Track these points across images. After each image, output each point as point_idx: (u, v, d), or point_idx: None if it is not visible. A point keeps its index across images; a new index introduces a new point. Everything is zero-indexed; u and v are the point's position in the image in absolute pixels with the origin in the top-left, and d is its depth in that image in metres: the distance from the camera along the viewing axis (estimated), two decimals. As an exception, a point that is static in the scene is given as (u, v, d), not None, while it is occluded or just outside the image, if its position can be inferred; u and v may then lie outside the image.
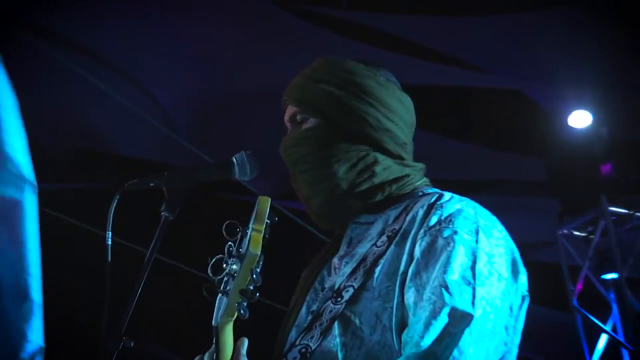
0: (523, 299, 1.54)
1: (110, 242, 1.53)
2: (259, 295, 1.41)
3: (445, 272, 1.45)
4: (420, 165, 1.79)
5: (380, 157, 1.71)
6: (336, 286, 1.59)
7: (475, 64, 4.69)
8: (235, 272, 1.42)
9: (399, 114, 1.75)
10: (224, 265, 1.44)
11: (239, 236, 1.46)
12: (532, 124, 5.05)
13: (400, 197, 1.70)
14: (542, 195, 5.50)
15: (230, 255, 1.44)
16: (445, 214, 1.56)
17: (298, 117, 1.75)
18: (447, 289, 1.43)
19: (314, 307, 1.62)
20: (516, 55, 4.70)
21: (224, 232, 1.46)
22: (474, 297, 1.43)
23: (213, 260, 1.44)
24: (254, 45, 4.54)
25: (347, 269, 1.61)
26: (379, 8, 4.38)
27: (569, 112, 5.11)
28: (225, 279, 1.44)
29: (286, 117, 1.80)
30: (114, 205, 1.55)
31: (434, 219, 1.55)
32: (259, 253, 1.41)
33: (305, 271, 1.77)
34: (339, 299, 1.55)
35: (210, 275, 1.44)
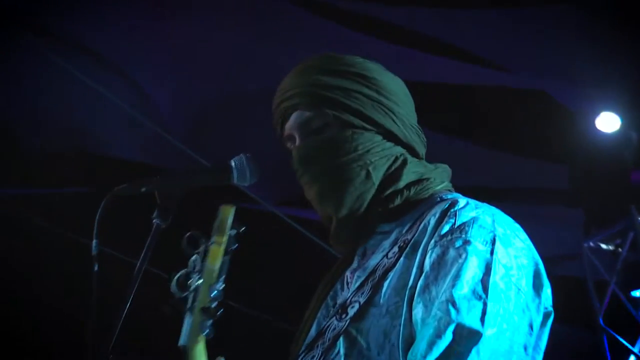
0: (546, 315, 1.50)
1: (96, 252, 1.51)
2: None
3: (454, 286, 1.41)
4: (443, 167, 1.74)
5: (410, 158, 1.68)
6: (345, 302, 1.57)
7: (494, 60, 4.67)
8: (198, 288, 1.41)
9: (412, 110, 1.73)
10: (189, 282, 1.43)
11: (202, 249, 1.45)
12: (555, 127, 5.03)
13: (418, 202, 1.64)
14: (566, 205, 5.47)
15: (194, 269, 1.43)
16: (458, 223, 1.51)
17: (314, 124, 1.66)
18: (454, 304, 1.39)
19: (324, 324, 1.58)
20: (539, 53, 4.68)
21: (184, 245, 1.44)
22: (484, 312, 1.39)
23: (178, 275, 1.42)
24: (255, 43, 4.55)
25: (358, 283, 1.58)
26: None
27: (596, 115, 5.09)
28: (191, 295, 1.42)
29: (292, 125, 1.69)
30: (101, 212, 1.53)
31: (445, 228, 1.51)
32: (218, 268, 1.40)
33: (320, 286, 1.72)
34: (343, 315, 1.53)
35: (176, 291, 1.42)
